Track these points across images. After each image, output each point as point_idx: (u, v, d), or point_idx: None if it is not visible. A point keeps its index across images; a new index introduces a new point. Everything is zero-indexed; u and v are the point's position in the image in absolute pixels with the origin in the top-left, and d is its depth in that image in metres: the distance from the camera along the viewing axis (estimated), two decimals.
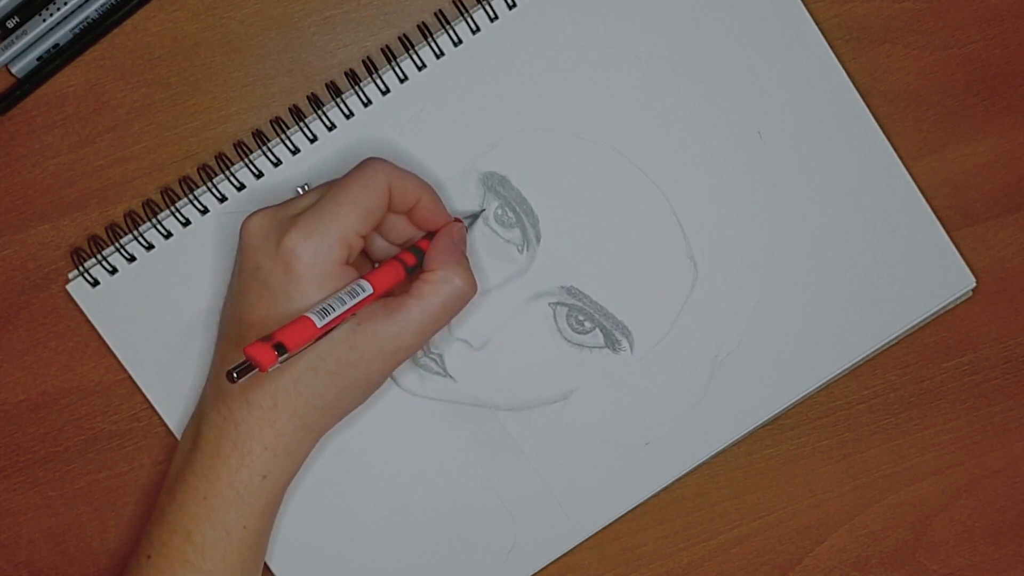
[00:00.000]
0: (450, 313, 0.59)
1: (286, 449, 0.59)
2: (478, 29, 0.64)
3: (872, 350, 0.66)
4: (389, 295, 0.59)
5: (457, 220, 0.62)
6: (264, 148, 0.64)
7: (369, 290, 0.57)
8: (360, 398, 0.60)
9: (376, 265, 0.62)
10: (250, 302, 0.57)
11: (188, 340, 0.65)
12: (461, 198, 0.64)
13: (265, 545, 0.61)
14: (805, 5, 0.64)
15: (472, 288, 0.59)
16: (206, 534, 0.58)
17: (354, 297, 0.57)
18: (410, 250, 0.61)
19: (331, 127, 0.64)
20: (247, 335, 0.57)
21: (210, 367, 0.62)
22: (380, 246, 0.61)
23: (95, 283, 0.64)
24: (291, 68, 0.65)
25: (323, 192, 0.58)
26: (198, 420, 0.60)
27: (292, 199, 0.59)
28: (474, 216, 0.64)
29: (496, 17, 0.64)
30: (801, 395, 0.66)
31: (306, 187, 0.64)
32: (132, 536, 0.67)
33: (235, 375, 0.52)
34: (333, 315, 0.55)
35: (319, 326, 0.55)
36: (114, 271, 0.64)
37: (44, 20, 0.63)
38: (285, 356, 0.53)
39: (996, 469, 0.69)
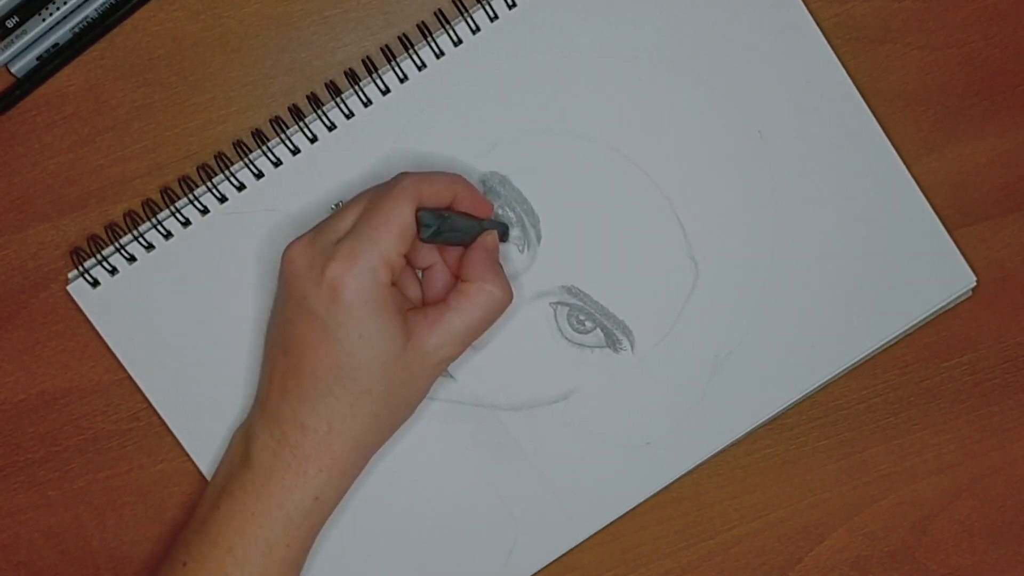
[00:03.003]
0: (489, 322, 0.60)
1: (341, 470, 0.59)
2: (478, 29, 0.64)
3: (872, 350, 0.66)
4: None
5: (491, 227, 0.62)
6: (264, 148, 0.64)
7: None
8: (409, 413, 0.61)
9: (421, 274, 0.62)
10: (299, 330, 0.57)
11: (188, 340, 0.65)
12: None
13: (303, 563, 0.61)
14: (805, 5, 0.64)
15: (508, 296, 0.60)
16: (249, 550, 0.58)
17: None
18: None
19: (331, 127, 0.64)
20: (298, 363, 0.58)
21: (257, 391, 0.62)
22: (425, 250, 0.61)
23: (95, 283, 0.64)
24: (291, 68, 0.65)
25: (359, 211, 0.58)
26: (247, 438, 0.60)
27: (329, 221, 0.59)
28: (503, 227, 0.64)
29: (496, 17, 0.64)
30: (801, 395, 0.66)
31: (340, 204, 0.64)
32: (132, 536, 0.66)
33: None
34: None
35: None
36: (114, 271, 0.64)
37: (44, 19, 0.63)
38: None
39: (996, 469, 0.69)
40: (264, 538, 0.58)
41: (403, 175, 0.59)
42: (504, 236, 0.63)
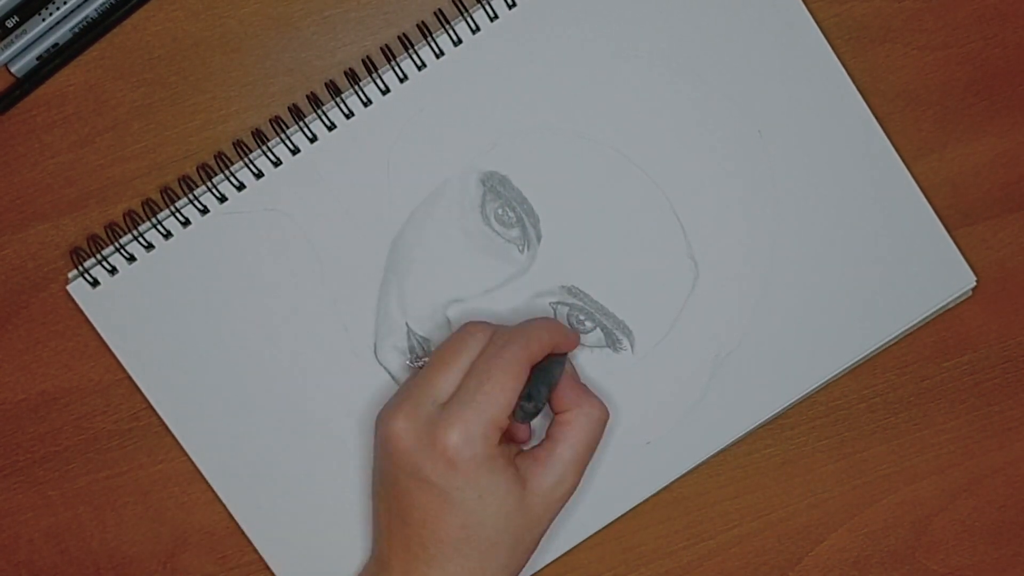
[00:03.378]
0: (595, 442, 0.61)
1: None
2: (478, 29, 0.64)
3: (872, 350, 0.66)
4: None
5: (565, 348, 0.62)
6: (264, 148, 0.64)
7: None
8: (535, 549, 0.61)
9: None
10: (418, 499, 0.58)
11: (188, 340, 0.65)
12: (461, 198, 0.64)
13: None
14: (805, 5, 0.64)
15: (606, 413, 0.61)
16: None
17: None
18: None
19: (331, 127, 0.64)
20: (420, 531, 0.58)
21: (372, 559, 0.62)
22: None
23: (95, 283, 0.64)
24: (291, 67, 0.65)
25: (460, 373, 0.58)
26: None
27: (423, 384, 0.59)
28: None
29: (496, 17, 0.64)
30: (801, 395, 0.66)
31: (416, 357, 0.65)
32: (132, 536, 0.67)
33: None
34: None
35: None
36: (114, 271, 0.64)
37: (43, 19, 0.63)
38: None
39: (996, 469, 0.69)
40: None
41: (506, 339, 0.59)
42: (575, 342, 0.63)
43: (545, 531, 0.61)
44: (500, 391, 0.57)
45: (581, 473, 0.60)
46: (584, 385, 0.62)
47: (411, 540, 0.58)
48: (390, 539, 0.60)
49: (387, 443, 0.58)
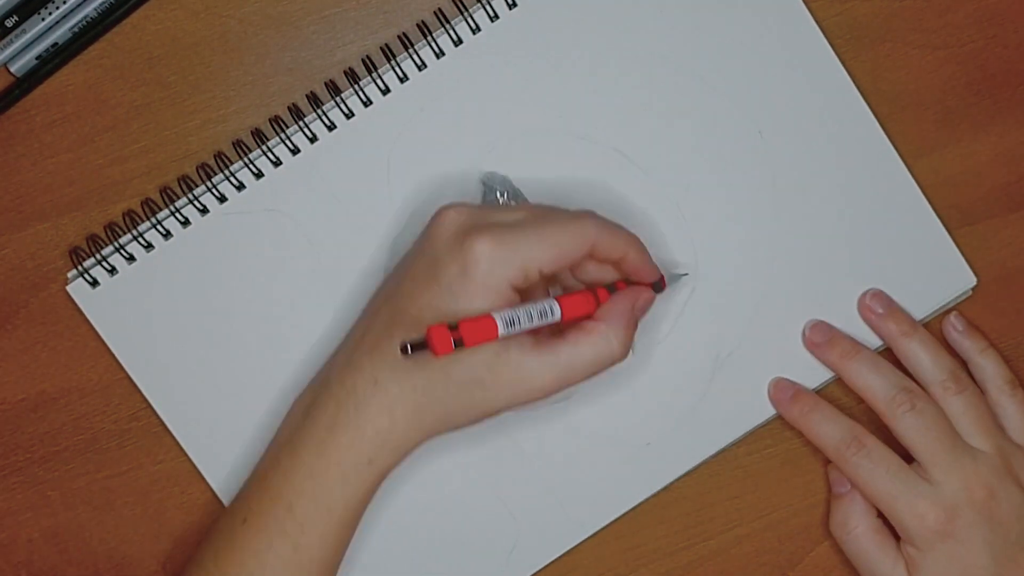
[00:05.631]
0: (595, 370, 0.58)
1: (396, 441, 0.58)
2: (478, 29, 0.64)
3: (872, 350, 0.66)
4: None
5: (659, 283, 0.61)
6: (264, 148, 0.64)
7: (557, 315, 0.57)
8: (475, 420, 0.58)
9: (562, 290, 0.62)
10: (418, 288, 0.57)
11: (188, 340, 0.65)
12: (461, 198, 0.64)
13: (356, 528, 0.60)
14: (805, 5, 0.64)
15: (623, 355, 0.58)
16: (308, 510, 0.58)
17: (543, 318, 0.56)
18: (607, 287, 0.60)
19: (331, 127, 0.64)
20: (401, 319, 0.57)
21: (348, 335, 0.61)
22: (566, 277, 0.61)
23: (95, 283, 0.64)
24: (290, 67, 0.65)
25: (532, 213, 0.58)
26: (316, 389, 0.60)
27: (496, 207, 0.59)
28: (678, 277, 0.64)
29: (496, 17, 0.64)
30: None
31: (505, 195, 0.63)
32: (132, 536, 0.66)
33: (409, 349, 0.53)
34: (517, 329, 0.55)
35: (501, 334, 0.55)
36: (113, 271, 0.64)
37: (43, 19, 0.63)
38: (459, 349, 0.54)
39: None
40: (324, 498, 0.58)
41: (588, 213, 0.58)
42: (660, 288, 0.62)
43: (493, 409, 0.58)
44: (551, 243, 0.56)
45: (563, 386, 0.57)
46: (635, 324, 0.59)
47: (393, 323, 0.57)
48: (376, 316, 0.58)
49: (430, 225, 0.58)
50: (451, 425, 0.58)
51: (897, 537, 0.63)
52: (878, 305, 0.65)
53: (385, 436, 0.57)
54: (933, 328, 0.66)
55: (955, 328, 0.66)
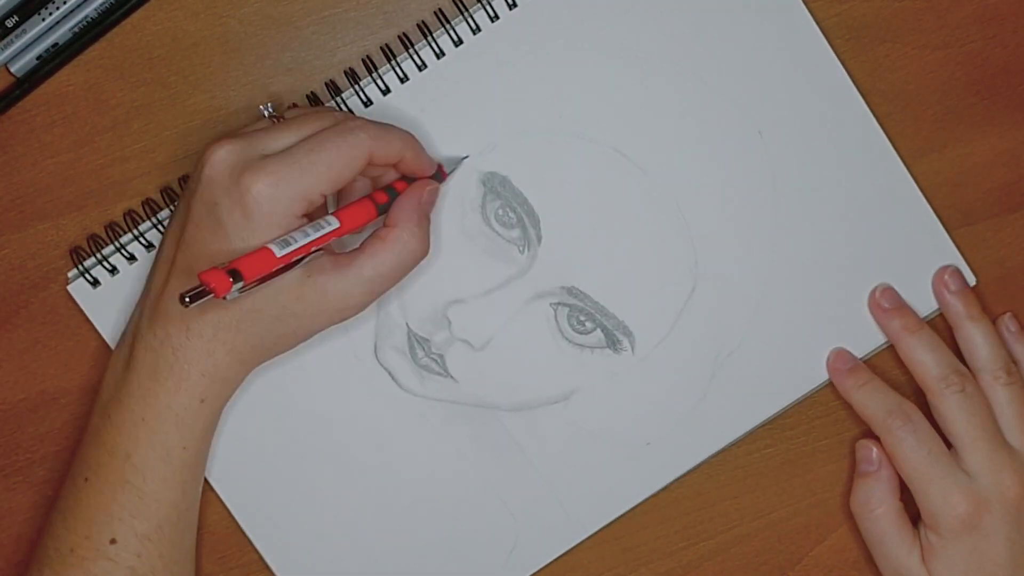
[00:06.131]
0: (401, 273, 0.58)
1: (223, 377, 0.58)
2: (479, 29, 0.64)
3: (872, 350, 0.66)
4: (358, 232, 0.59)
5: (439, 173, 0.62)
6: None
7: (335, 224, 0.57)
8: (296, 344, 0.59)
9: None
10: (202, 235, 0.56)
11: None
12: (461, 198, 0.64)
13: (204, 468, 0.61)
14: (805, 5, 0.64)
15: (424, 251, 0.59)
16: (146, 455, 0.58)
17: (318, 230, 0.56)
18: (384, 189, 0.60)
19: None
20: (196, 266, 0.56)
21: (145, 288, 0.61)
22: (358, 186, 0.61)
23: (95, 283, 0.64)
24: (291, 67, 0.65)
25: (301, 135, 0.57)
26: (130, 341, 0.59)
27: (263, 132, 0.58)
28: (457, 162, 0.64)
29: (496, 17, 0.64)
30: (801, 395, 0.66)
31: (270, 108, 0.61)
32: None
33: (188, 299, 0.52)
34: (294, 246, 0.55)
35: (278, 256, 0.54)
36: (114, 271, 0.64)
37: (43, 19, 0.63)
38: (240, 285, 0.53)
39: None
40: (159, 442, 0.58)
41: (358, 124, 0.58)
42: (440, 178, 0.62)
43: (310, 332, 0.59)
44: (326, 167, 0.56)
45: (373, 295, 0.58)
46: (427, 217, 0.60)
47: (182, 272, 0.57)
48: (169, 268, 0.58)
49: (201, 167, 0.57)
50: (273, 354, 0.59)
51: (915, 523, 0.63)
52: (953, 285, 0.65)
53: (211, 375, 0.58)
54: (933, 328, 0.66)
55: (1008, 329, 0.66)
